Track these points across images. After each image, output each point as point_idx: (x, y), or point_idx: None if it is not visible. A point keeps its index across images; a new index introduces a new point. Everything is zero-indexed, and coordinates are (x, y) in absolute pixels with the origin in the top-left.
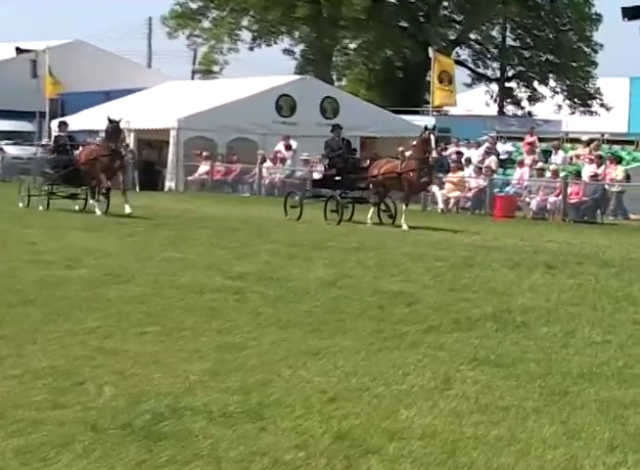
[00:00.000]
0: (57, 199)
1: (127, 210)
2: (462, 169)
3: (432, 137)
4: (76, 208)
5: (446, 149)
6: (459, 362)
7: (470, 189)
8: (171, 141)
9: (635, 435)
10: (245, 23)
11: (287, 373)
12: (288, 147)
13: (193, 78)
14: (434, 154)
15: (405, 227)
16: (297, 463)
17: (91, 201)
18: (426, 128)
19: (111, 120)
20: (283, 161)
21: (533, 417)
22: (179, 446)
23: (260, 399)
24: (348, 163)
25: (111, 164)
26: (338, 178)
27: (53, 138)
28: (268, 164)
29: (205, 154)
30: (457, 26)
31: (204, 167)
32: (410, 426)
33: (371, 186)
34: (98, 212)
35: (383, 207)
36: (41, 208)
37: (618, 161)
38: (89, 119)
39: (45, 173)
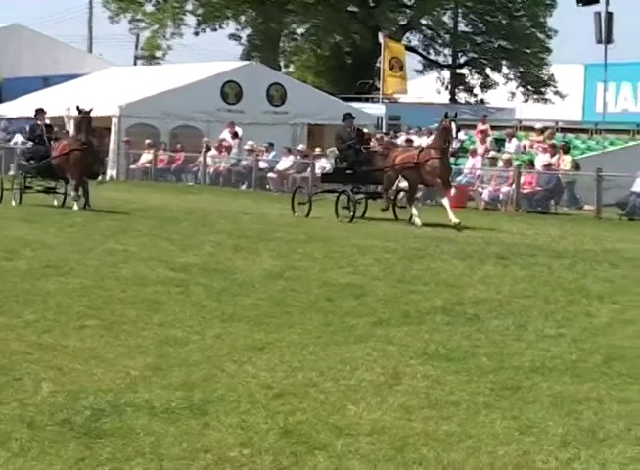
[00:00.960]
0: (33, 193)
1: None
2: None
3: (453, 125)
4: (55, 203)
5: (397, 137)
6: (409, 357)
7: None
8: (113, 129)
9: (588, 430)
10: (189, 7)
11: (231, 368)
12: (234, 135)
13: (135, 64)
14: (455, 144)
15: (418, 222)
16: (242, 460)
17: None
18: (446, 115)
19: (80, 110)
20: (228, 149)
21: (485, 412)
22: (120, 443)
23: (204, 395)
24: (361, 155)
25: (84, 159)
26: (349, 172)
27: (29, 127)
28: (213, 152)
29: (147, 142)
30: (408, 11)
31: (146, 156)
32: (358, 422)
33: (384, 178)
34: (75, 208)
35: (392, 198)
36: (13, 203)
37: (567, 150)
38: (27, 106)
39: (20, 165)
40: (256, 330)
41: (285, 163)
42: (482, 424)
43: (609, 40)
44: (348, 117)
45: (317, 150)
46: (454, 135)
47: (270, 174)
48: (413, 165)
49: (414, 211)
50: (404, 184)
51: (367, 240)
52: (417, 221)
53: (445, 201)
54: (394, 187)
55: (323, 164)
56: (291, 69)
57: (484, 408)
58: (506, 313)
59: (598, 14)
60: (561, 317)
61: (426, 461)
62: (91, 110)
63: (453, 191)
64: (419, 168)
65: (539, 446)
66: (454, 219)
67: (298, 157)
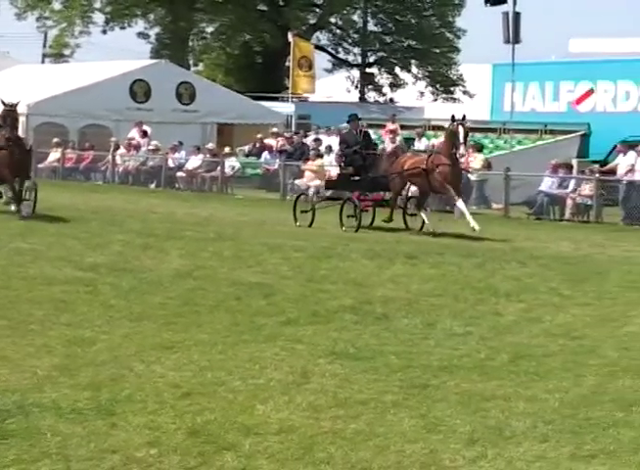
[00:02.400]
0: None
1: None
2: (321, 157)
3: (460, 129)
4: (12, 208)
5: (306, 136)
6: (317, 356)
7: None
8: (20, 127)
9: (495, 428)
10: (97, 4)
11: (139, 368)
12: (143, 133)
13: (43, 62)
14: (462, 149)
15: (431, 229)
16: (150, 460)
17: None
18: (453, 119)
19: (5, 104)
20: (137, 148)
21: (392, 411)
22: (26, 443)
23: (111, 395)
24: (367, 159)
25: (12, 158)
26: (355, 178)
27: None
28: (122, 151)
29: (55, 140)
30: (317, 10)
31: (54, 155)
32: (266, 421)
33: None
34: (23, 213)
35: (402, 206)
36: None
37: (479, 149)
38: None
39: None
40: (165, 329)
41: (194, 161)
42: (390, 422)
43: (516, 40)
44: (354, 118)
45: (226, 149)
46: (462, 140)
47: (179, 173)
48: (422, 171)
49: (425, 218)
50: (414, 189)
51: (276, 239)
52: (429, 228)
53: (460, 204)
54: (404, 194)
55: (232, 163)
56: (200, 67)
57: (392, 407)
58: (415, 312)
59: (506, 14)
60: (469, 316)
61: (334, 460)
62: (17, 103)
63: (460, 201)
64: (428, 175)
65: (446, 445)
66: (475, 225)
67: (208, 155)
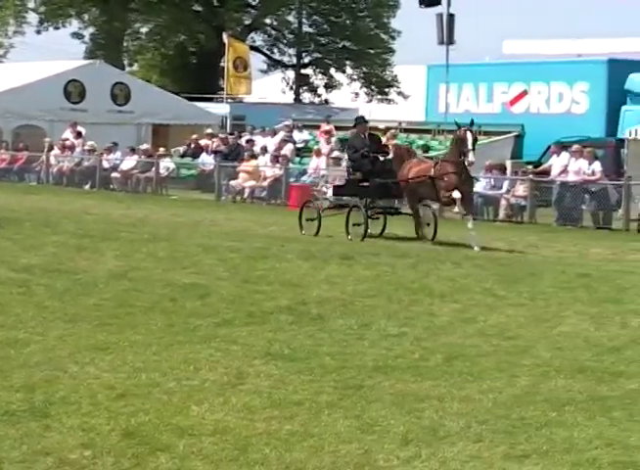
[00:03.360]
0: None
1: None
2: (255, 158)
3: (468, 135)
4: None
5: (241, 137)
6: (252, 357)
7: (265, 178)
8: None
9: (429, 428)
10: (31, 4)
11: (73, 369)
12: (77, 134)
13: None
14: (471, 157)
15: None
16: (83, 463)
17: None
18: (457, 124)
19: None
20: (71, 148)
21: (327, 411)
22: None
23: (45, 397)
24: (377, 164)
25: None
26: (364, 184)
27: None
28: (56, 151)
29: None
30: (252, 11)
31: None
32: (201, 422)
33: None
34: None
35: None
36: None
37: (425, 150)
38: None
39: None
40: (99, 331)
41: (129, 162)
42: (325, 423)
43: (450, 41)
44: (361, 120)
45: (161, 150)
46: (470, 146)
47: (114, 174)
48: (428, 180)
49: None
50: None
51: (211, 240)
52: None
53: (471, 225)
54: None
55: (167, 164)
56: (135, 68)
57: (327, 408)
58: (350, 313)
59: (440, 15)
60: (403, 316)
61: (268, 461)
62: None
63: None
64: (434, 183)
65: (381, 445)
66: (477, 247)
67: (142, 156)
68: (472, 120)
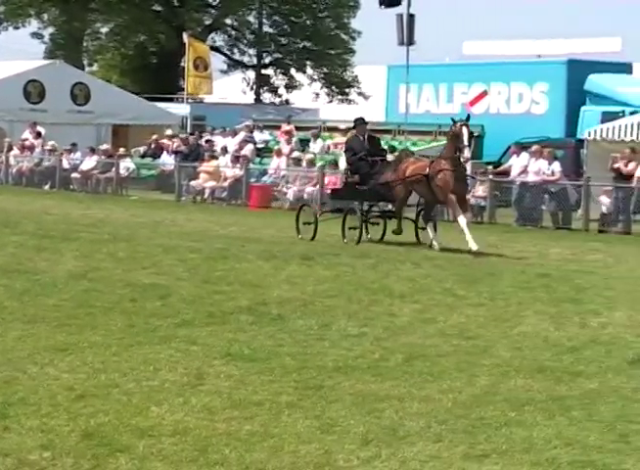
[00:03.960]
0: None
1: None
2: (216, 158)
3: (464, 130)
4: None
5: (202, 137)
6: (212, 357)
7: (226, 179)
8: None
9: (389, 428)
10: None
11: (33, 370)
12: (37, 134)
13: None
14: (467, 153)
15: (436, 246)
16: (43, 464)
17: None
18: (453, 120)
19: None
20: (31, 149)
21: (287, 412)
22: None
23: (4, 398)
24: (375, 167)
25: None
26: (361, 187)
27: None
28: (15, 152)
29: None
30: (212, 11)
31: None
32: (161, 423)
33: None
34: None
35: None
36: None
37: (391, 151)
38: None
39: None
40: (59, 331)
41: (89, 162)
42: (285, 423)
43: (410, 42)
44: (360, 122)
45: (121, 150)
46: (466, 142)
47: (74, 174)
48: (424, 179)
49: (430, 232)
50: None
51: (172, 240)
52: (435, 245)
53: (462, 221)
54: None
55: (127, 165)
56: (95, 68)
57: (287, 408)
58: (310, 313)
59: (400, 16)
60: (363, 317)
61: (228, 462)
62: None
63: (468, 216)
64: (429, 182)
65: (341, 445)
66: (473, 246)
67: (102, 157)
68: (468, 115)
